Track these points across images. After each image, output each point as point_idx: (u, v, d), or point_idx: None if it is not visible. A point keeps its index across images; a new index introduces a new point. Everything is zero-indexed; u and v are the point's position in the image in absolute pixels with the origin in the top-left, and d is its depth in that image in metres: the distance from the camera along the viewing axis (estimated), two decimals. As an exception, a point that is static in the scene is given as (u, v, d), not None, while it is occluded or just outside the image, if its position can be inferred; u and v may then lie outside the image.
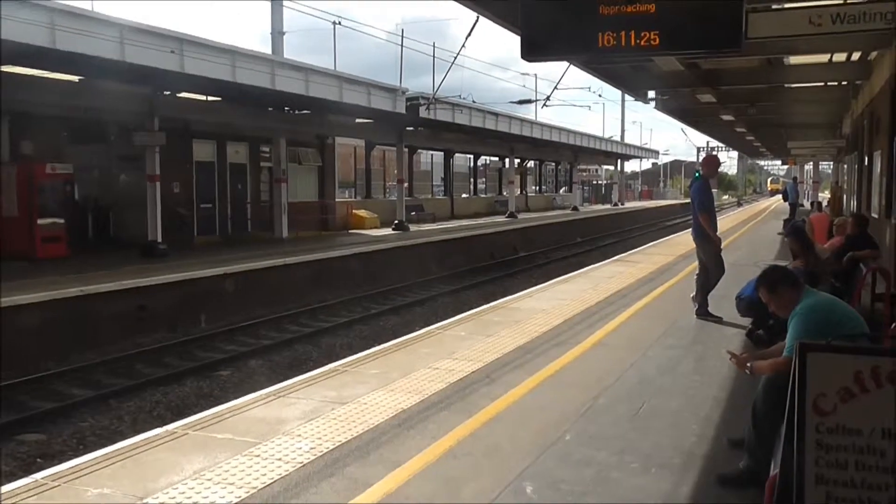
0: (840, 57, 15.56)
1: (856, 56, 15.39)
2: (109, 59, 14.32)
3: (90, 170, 21.38)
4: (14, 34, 12.28)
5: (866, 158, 16.82)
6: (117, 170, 22.08)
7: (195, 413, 6.60)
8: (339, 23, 27.87)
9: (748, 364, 4.59)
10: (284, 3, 23.45)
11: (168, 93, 19.67)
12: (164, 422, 7.46)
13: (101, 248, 19.68)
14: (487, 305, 11.32)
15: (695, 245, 10.00)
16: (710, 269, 9.69)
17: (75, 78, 17.76)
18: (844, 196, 26.28)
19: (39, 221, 17.50)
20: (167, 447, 5.21)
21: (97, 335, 12.90)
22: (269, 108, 23.39)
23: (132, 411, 9.85)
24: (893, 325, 5.57)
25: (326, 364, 8.00)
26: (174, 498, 4.33)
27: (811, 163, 47.21)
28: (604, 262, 17.26)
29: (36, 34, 12.83)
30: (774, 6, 9.69)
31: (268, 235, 24.47)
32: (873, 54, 14.38)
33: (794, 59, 16.07)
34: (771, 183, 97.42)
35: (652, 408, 5.96)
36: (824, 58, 15.67)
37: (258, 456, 4.97)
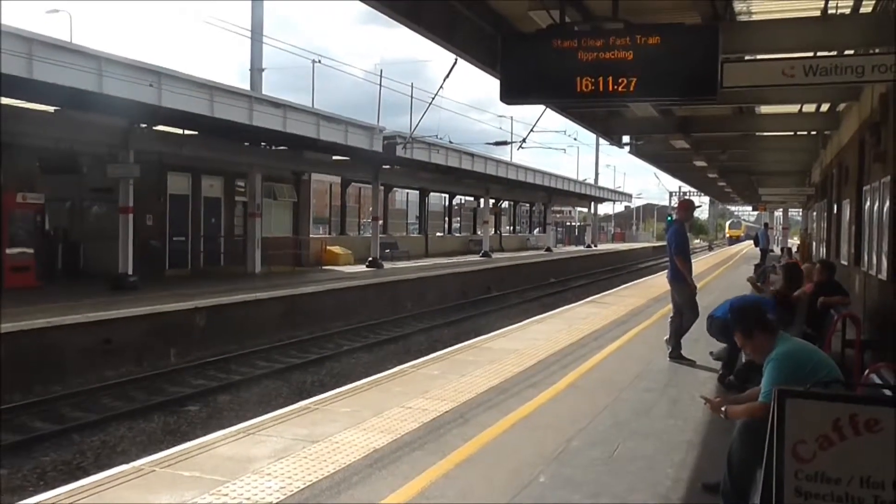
0: (810, 108, 15.96)
1: (825, 107, 15.80)
2: (86, 91, 14.24)
3: (62, 200, 21.15)
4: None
5: (835, 207, 17.16)
6: (90, 201, 21.85)
7: (162, 449, 6.44)
8: (319, 61, 28.07)
9: (723, 408, 4.59)
10: (264, 40, 23.60)
11: (144, 125, 19.58)
12: (129, 458, 7.26)
13: (71, 280, 19.37)
14: (461, 345, 11.27)
15: (669, 288, 10.07)
16: (685, 312, 9.75)
17: (51, 108, 17.63)
18: (814, 243, 26.74)
19: (8, 251, 17.21)
20: (132, 485, 5.06)
21: (62, 368, 12.61)
22: (246, 143, 23.37)
23: (96, 447, 9.59)
24: (866, 371, 5.61)
25: (297, 401, 7.87)
26: (138, 539, 4.19)
27: (781, 209, 48.06)
28: (577, 303, 17.32)
29: (13, 63, 12.74)
30: (748, 57, 9.94)
31: (240, 270, 24.24)
32: (842, 106, 14.77)
33: (766, 109, 16.45)
34: (729, 228, 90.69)
35: (626, 451, 5.92)
36: (795, 108, 16.06)
37: (226, 495, 4.84)
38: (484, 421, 6.67)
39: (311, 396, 8.20)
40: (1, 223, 17.18)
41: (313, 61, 31.09)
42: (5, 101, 16.24)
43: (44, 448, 9.44)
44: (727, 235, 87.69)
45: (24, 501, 4.91)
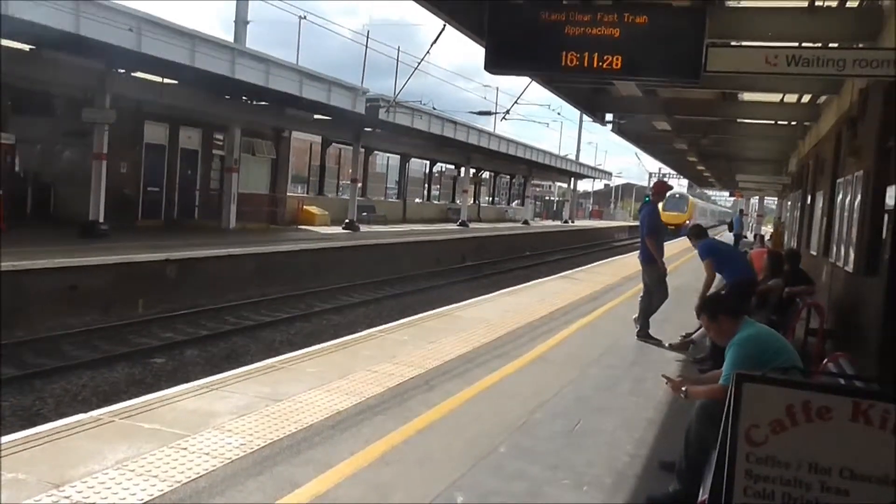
0: (791, 98, 16.03)
1: (806, 98, 15.87)
2: (62, 31, 13.90)
3: (34, 143, 20.72)
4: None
5: (809, 197, 17.35)
6: (62, 145, 21.43)
7: (123, 400, 6.41)
8: (306, 17, 27.61)
9: (683, 388, 4.66)
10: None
11: (122, 71, 19.18)
12: (89, 407, 7.22)
13: (41, 224, 19.07)
14: (432, 312, 11.30)
15: (640, 268, 10.16)
16: (654, 292, 9.85)
17: (26, 47, 17.18)
18: (786, 231, 27.06)
19: (-25, 192, 16.88)
20: (90, 434, 5.04)
21: (26, 313, 12.46)
22: (227, 96, 23.02)
23: (57, 394, 9.52)
24: (825, 360, 5.72)
25: (264, 359, 7.87)
26: (92, 487, 4.18)
27: (757, 196, 48.49)
28: (550, 277, 17.42)
29: (-13, 0, 12.39)
30: (734, 43, 9.93)
31: (215, 224, 24.03)
32: (822, 98, 14.85)
33: (748, 96, 16.49)
34: (664, 210, 48.39)
35: (587, 426, 6.00)
36: (777, 97, 16.12)
37: (185, 449, 4.84)
38: (449, 389, 6.72)
39: (278, 355, 8.19)
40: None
41: (300, 17, 30.53)
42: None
43: (3, 393, 9.35)
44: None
45: (-20, 444, 4.87)
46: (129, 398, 6.48)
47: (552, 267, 27.80)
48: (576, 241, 45.25)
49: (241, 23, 23.13)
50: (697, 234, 9.54)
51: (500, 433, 5.60)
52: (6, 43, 16.68)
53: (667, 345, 9.44)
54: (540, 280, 16.77)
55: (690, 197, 57.92)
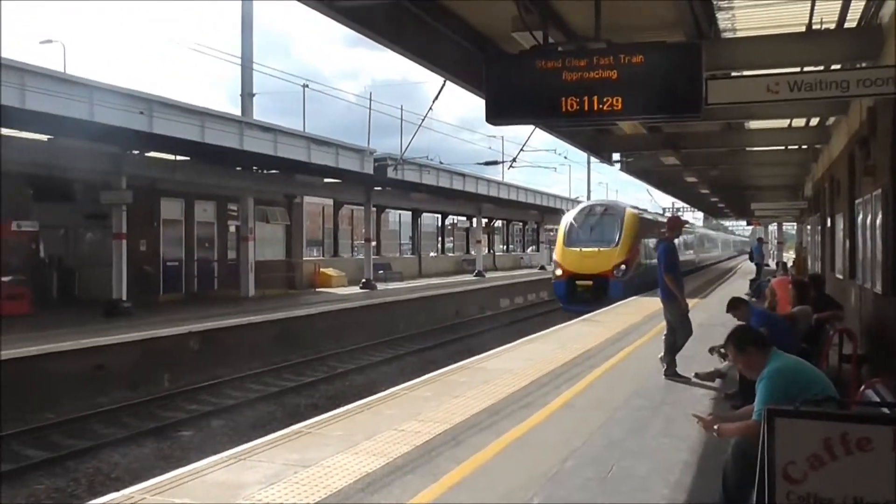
0: (799, 122, 16.04)
1: (814, 122, 15.88)
2: (78, 119, 14.28)
3: (57, 228, 21.11)
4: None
5: (829, 220, 17.20)
6: (84, 228, 21.81)
7: (154, 476, 6.36)
8: (308, 86, 28.21)
9: (715, 427, 4.55)
10: (255, 67, 23.69)
11: (136, 152, 19.59)
12: (122, 484, 7.18)
13: (66, 306, 19.30)
14: (453, 366, 11.18)
15: (662, 305, 10.03)
16: (678, 330, 9.72)
17: (44, 137, 17.64)
18: (809, 257, 26.78)
19: (3, 279, 17.16)
20: (119, 517, 4.99)
21: (55, 395, 12.50)
22: (238, 168, 23.39)
23: (90, 473, 9.50)
24: (861, 388, 5.58)
25: (290, 425, 7.80)
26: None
27: (776, 223, 48.18)
28: (571, 322, 17.25)
29: (7, 94, 12.79)
30: (733, 73, 9.99)
31: (234, 293, 24.17)
32: (831, 120, 14.84)
33: (755, 124, 16.54)
34: (570, 246, 24.71)
35: (621, 471, 5.86)
36: (784, 122, 16.14)
37: (215, 525, 4.76)
38: (477, 443, 6.61)
39: (303, 420, 8.12)
40: (-2, 252, 17.15)
41: (303, 85, 31.20)
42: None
43: (37, 476, 9.36)
44: (554, 261, 25.33)
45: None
46: (159, 473, 6.42)
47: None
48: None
49: (246, 96, 23.63)
50: (738, 305, 8.51)
51: (531, 485, 5.48)
52: (26, 135, 17.16)
53: (692, 375, 9.29)
54: (560, 325, 16.61)
55: (630, 209, 26.07)
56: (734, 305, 8.48)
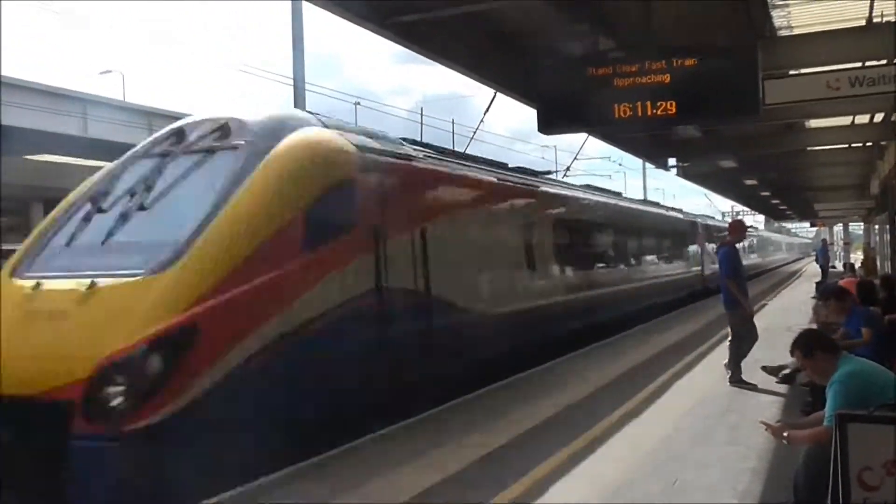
0: (863, 119, 15.60)
1: (879, 117, 15.40)
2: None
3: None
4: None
5: (897, 218, 16.62)
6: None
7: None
8: (360, 103, 28.58)
9: (784, 434, 4.42)
10: (307, 88, 24.08)
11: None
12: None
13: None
14: (507, 380, 11.08)
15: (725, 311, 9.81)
16: (742, 336, 9.49)
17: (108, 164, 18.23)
18: (878, 257, 25.90)
19: None
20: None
21: None
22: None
23: None
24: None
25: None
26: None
27: (841, 224, 46.78)
28: (628, 331, 16.96)
29: (70, 123, 13.33)
30: (791, 72, 9.77)
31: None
32: None
33: (815, 123, 16.14)
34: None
35: (686, 483, 5.73)
36: (846, 120, 15.71)
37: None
38: (536, 456, 6.54)
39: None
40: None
41: (355, 103, 31.62)
42: (66, 159, 16.90)
43: None
44: None
45: None
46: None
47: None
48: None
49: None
50: (843, 296, 7.81)
51: (594, 497, 5.40)
52: (88, 162, 17.78)
53: (760, 367, 9.08)
54: (619, 334, 16.35)
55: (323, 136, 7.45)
56: (839, 296, 7.88)
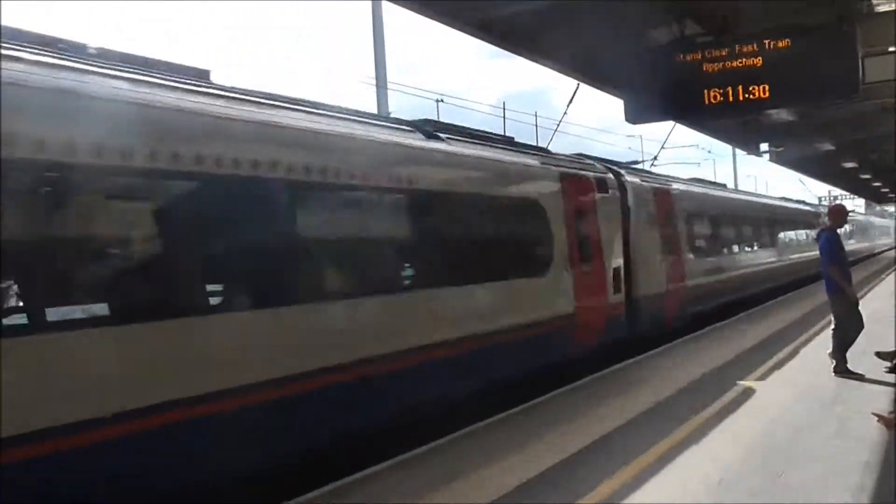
0: (972, 92, 14.71)
1: None
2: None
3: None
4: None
5: None
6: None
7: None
8: (443, 100, 28.71)
9: (898, 425, 4.26)
10: (389, 88, 24.42)
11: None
12: None
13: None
14: (615, 367, 10.98)
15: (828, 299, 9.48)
16: (847, 324, 9.13)
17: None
18: None
19: None
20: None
21: None
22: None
23: None
24: None
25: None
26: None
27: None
28: (726, 321, 16.52)
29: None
30: (891, 49, 9.32)
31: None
32: None
33: (919, 100, 15.30)
34: None
35: (792, 477, 5.56)
36: (953, 95, 14.84)
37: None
38: (636, 447, 6.47)
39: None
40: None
41: (437, 101, 31.79)
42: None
43: None
44: None
45: None
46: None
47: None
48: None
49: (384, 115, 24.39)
50: None
51: (698, 492, 5.31)
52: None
53: (875, 352, 8.80)
54: (719, 323, 15.94)
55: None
56: None
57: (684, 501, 5.12)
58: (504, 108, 26.67)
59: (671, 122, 17.85)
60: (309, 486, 5.60)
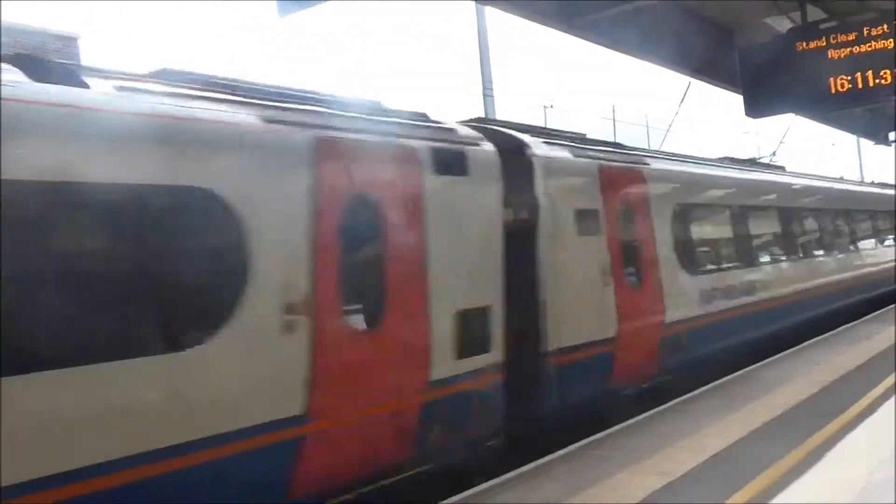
0: None
1: None
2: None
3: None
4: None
5: None
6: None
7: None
8: (552, 106, 28.50)
9: None
10: (496, 95, 24.48)
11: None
12: None
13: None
14: (731, 376, 10.58)
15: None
16: None
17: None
18: None
19: None
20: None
21: None
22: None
23: None
24: None
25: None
26: None
27: None
28: (856, 322, 15.55)
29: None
30: None
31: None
32: None
33: None
34: None
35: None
36: None
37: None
38: (770, 454, 6.22)
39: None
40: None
41: (545, 107, 31.63)
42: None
43: None
44: None
45: None
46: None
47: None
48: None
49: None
50: None
51: (840, 499, 5.06)
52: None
53: None
54: (849, 324, 15.04)
55: None
56: None
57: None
58: (613, 111, 26.21)
59: (789, 117, 17.11)
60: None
